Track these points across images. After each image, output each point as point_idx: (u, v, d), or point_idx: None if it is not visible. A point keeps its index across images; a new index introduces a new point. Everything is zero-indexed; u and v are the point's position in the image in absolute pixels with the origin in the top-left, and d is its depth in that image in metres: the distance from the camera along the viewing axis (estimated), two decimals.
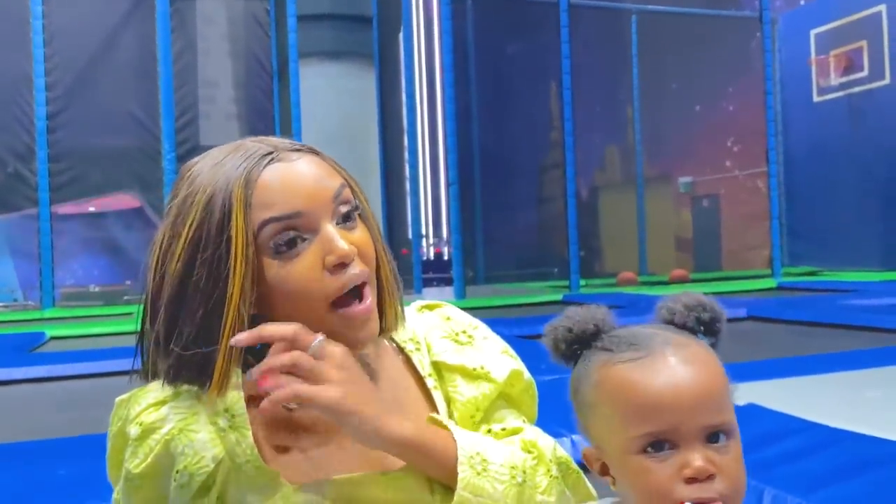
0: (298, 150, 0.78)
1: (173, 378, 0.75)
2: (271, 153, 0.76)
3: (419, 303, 0.95)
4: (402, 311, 0.85)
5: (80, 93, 10.58)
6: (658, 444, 0.66)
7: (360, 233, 0.78)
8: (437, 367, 0.86)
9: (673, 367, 0.67)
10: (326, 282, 0.74)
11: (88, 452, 2.91)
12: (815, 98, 13.32)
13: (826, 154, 12.85)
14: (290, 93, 9.83)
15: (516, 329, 5.98)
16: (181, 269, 0.73)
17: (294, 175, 0.75)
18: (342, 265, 0.74)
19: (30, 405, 4.54)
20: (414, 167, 13.47)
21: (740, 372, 3.98)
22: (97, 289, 12.35)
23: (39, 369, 5.26)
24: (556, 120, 12.65)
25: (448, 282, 11.78)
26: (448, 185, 10.88)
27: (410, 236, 13.18)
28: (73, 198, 11.55)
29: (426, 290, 12.44)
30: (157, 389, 0.76)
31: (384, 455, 0.76)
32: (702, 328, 0.72)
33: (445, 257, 17.48)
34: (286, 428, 0.77)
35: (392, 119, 15.04)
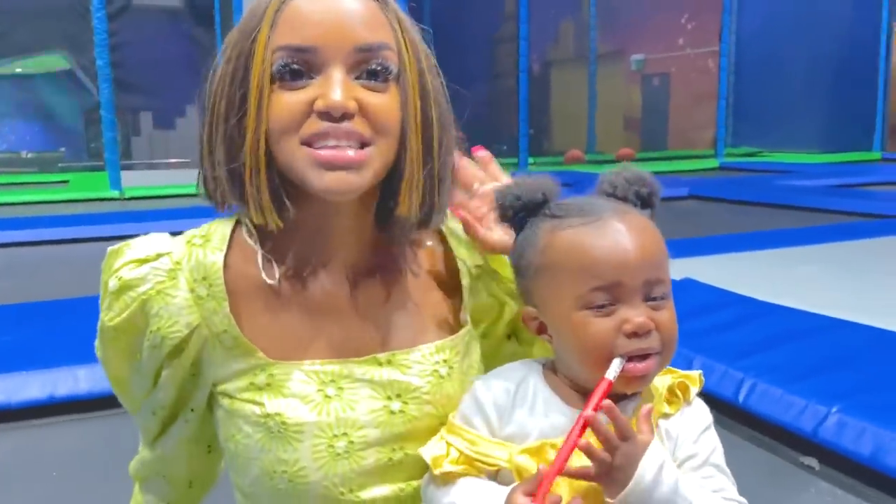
0: None
1: (221, 199, 0.74)
2: None
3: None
4: (436, 204, 0.77)
5: None
6: (602, 301, 0.69)
7: (382, 97, 0.71)
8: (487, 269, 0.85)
9: (618, 229, 0.71)
10: (307, 122, 0.69)
11: (27, 319, 2.88)
12: None
13: (777, 34, 12.78)
14: None
15: None
16: (216, 88, 0.73)
17: (326, 7, 0.70)
18: (328, 115, 0.68)
19: None
20: None
21: (679, 248, 4.11)
22: (30, 155, 11.85)
23: None
24: None
25: None
26: None
27: None
28: None
29: None
30: (143, 245, 0.75)
31: (364, 343, 0.76)
32: (640, 202, 0.76)
33: None
34: (264, 303, 0.75)
35: None
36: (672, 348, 0.71)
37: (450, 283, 0.85)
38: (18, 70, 12.20)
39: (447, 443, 0.73)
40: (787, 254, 4.08)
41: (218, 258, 0.74)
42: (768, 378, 2.04)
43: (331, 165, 0.68)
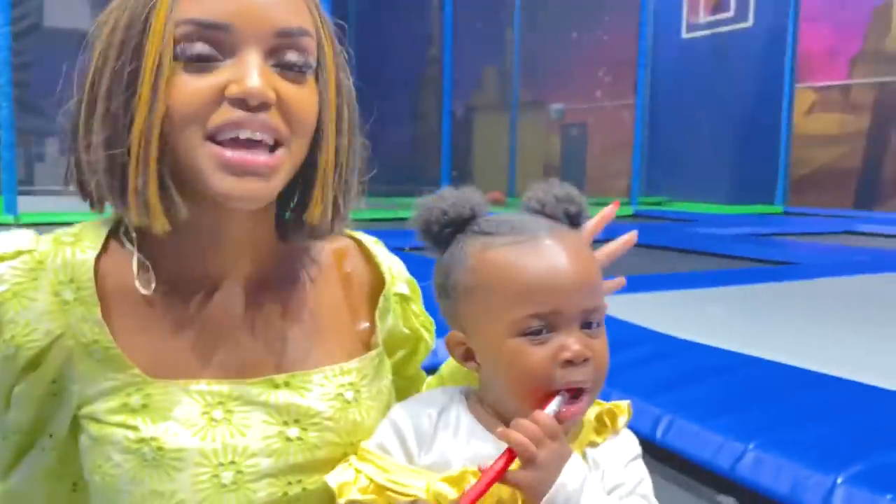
0: None
1: (98, 193, 0.64)
2: None
3: (370, 237, 0.85)
4: (342, 211, 0.70)
5: None
6: (537, 327, 0.66)
7: (301, 91, 0.63)
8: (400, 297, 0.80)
9: (555, 251, 0.67)
10: (217, 111, 0.60)
11: None
12: (685, 34, 13.78)
13: (689, 89, 13.41)
14: None
15: (389, 241, 5.90)
16: (97, 60, 0.62)
17: None
18: (243, 103, 0.60)
19: None
20: None
21: None
22: None
23: None
24: (435, 35, 12.38)
25: None
26: None
27: None
28: None
29: None
30: (1, 243, 0.64)
31: (259, 362, 0.69)
32: (568, 220, 0.72)
33: None
34: (142, 315, 0.65)
35: None
36: (603, 380, 0.68)
37: (361, 299, 0.77)
38: None
39: (356, 469, 0.67)
40: (697, 294, 4.16)
41: (89, 257, 0.64)
42: (685, 414, 2.00)
43: (240, 170, 0.60)
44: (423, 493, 0.64)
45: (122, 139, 0.61)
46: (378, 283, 0.78)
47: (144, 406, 0.63)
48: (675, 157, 13.68)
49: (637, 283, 4.52)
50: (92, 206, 0.66)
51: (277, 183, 0.63)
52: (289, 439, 0.66)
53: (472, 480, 0.63)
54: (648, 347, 2.68)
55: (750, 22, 12.53)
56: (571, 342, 0.65)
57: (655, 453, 1.96)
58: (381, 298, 0.77)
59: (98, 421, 0.63)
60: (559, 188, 0.73)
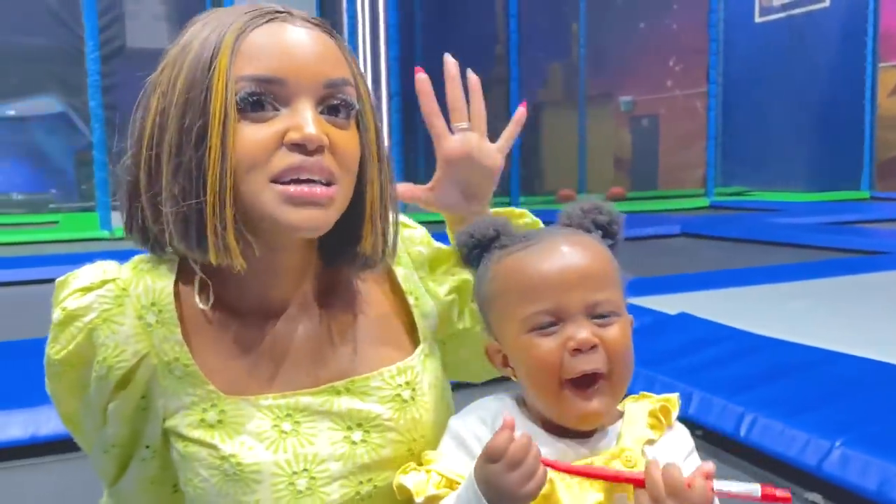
0: (312, 23, 0.71)
1: (163, 239, 0.70)
2: (281, 13, 0.69)
3: None
4: (392, 243, 0.78)
5: None
6: (546, 322, 0.69)
7: (346, 134, 0.70)
8: (420, 263, 0.85)
9: (557, 250, 0.72)
10: (277, 155, 0.66)
11: (12, 357, 2.82)
12: (758, 18, 13.37)
13: (764, 75, 13.00)
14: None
15: None
16: (158, 119, 0.68)
17: (292, 40, 0.68)
18: (302, 148, 0.66)
19: None
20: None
21: (673, 284, 4.11)
22: (20, 196, 11.82)
23: None
24: (501, 33, 12.38)
25: None
26: (390, 97, 10.62)
27: None
28: None
29: None
30: (88, 274, 0.71)
31: (319, 373, 0.74)
32: (600, 231, 0.76)
33: None
34: (213, 336, 0.72)
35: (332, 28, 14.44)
36: (622, 368, 0.70)
37: (399, 301, 0.83)
38: (11, 113, 12.24)
39: (426, 470, 0.71)
40: (779, 289, 4.07)
41: (167, 283, 0.71)
42: (769, 412, 2.00)
43: (302, 202, 0.67)
44: None
45: (195, 190, 0.66)
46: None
47: (220, 422, 0.69)
48: (752, 146, 13.28)
49: (715, 279, 4.46)
50: (152, 250, 0.73)
51: (333, 213, 0.69)
52: (354, 443, 0.72)
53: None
54: (729, 345, 2.67)
55: (826, 2, 12.06)
56: (577, 331, 0.68)
57: (739, 451, 1.98)
58: (409, 296, 0.82)
59: (182, 437, 0.70)
60: (587, 202, 0.78)
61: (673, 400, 0.75)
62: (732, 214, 9.34)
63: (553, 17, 14.66)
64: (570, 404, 0.68)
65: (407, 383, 0.77)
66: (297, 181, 0.66)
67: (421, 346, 0.80)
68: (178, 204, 0.66)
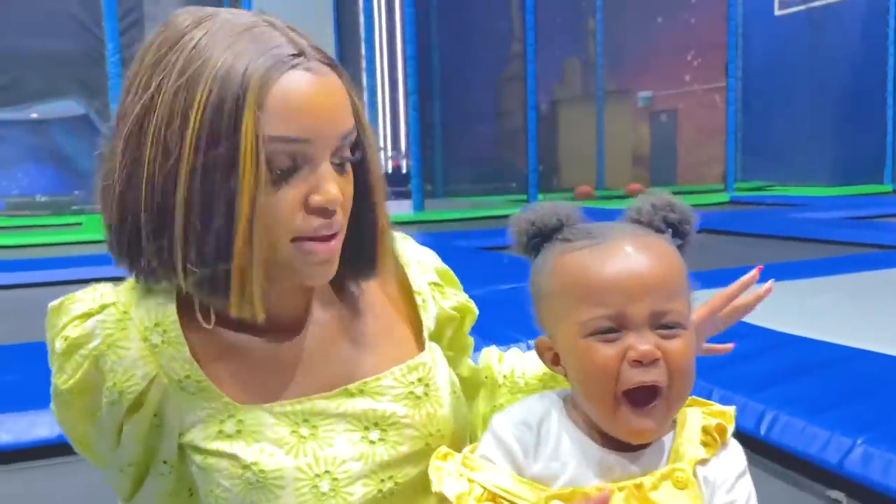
0: (325, 64, 0.68)
1: (186, 289, 0.67)
2: (299, 55, 0.66)
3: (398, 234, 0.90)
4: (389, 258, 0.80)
5: None
6: (607, 328, 0.66)
7: (348, 180, 0.70)
8: (433, 285, 0.85)
9: (624, 253, 0.67)
10: (300, 219, 0.66)
11: (31, 359, 2.86)
12: (777, 11, 13.23)
13: (784, 69, 12.87)
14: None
15: (476, 241, 5.98)
16: (180, 163, 0.64)
17: (316, 94, 0.66)
18: (324, 211, 0.67)
19: None
20: (371, 76, 13.12)
21: (692, 281, 4.07)
22: (44, 198, 11.99)
23: None
24: (517, 30, 12.36)
25: (406, 195, 11.69)
26: (407, 95, 10.64)
27: None
28: (13, 103, 11.04)
29: None
30: (85, 299, 0.71)
31: (332, 377, 0.75)
32: (669, 229, 0.72)
33: (404, 170, 17.31)
34: (221, 348, 0.73)
35: (348, 27, 14.51)
36: (682, 383, 0.66)
37: (403, 297, 0.83)
38: (34, 115, 12.41)
39: (468, 479, 0.68)
40: (800, 285, 4.03)
41: (169, 302, 0.71)
42: (790, 410, 1.99)
43: (321, 260, 0.69)
44: None
45: (219, 251, 0.65)
46: (407, 279, 0.84)
47: (238, 432, 0.69)
48: (772, 140, 13.16)
49: (734, 276, 4.41)
50: (143, 278, 0.71)
51: (338, 257, 0.71)
52: (372, 442, 0.73)
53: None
54: (750, 342, 2.65)
55: None
56: (640, 342, 0.64)
57: (760, 449, 1.97)
58: (417, 296, 0.82)
59: (200, 450, 0.70)
60: (658, 196, 0.73)
61: (729, 415, 0.71)
62: (753, 210, 9.26)
63: (569, 13, 14.61)
64: (624, 419, 0.65)
65: (419, 380, 0.77)
66: (315, 238, 0.68)
67: (428, 343, 0.81)
68: (198, 263, 0.65)
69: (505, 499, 0.67)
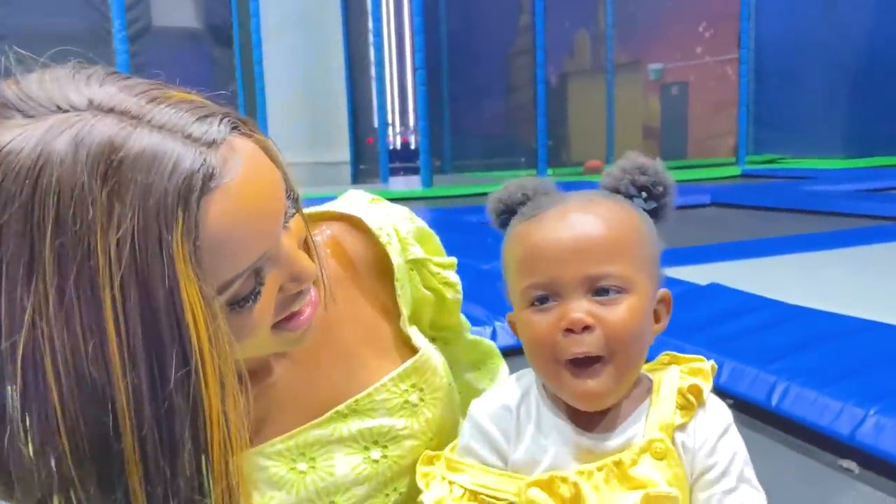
0: (234, 150, 0.51)
1: None
2: (211, 172, 0.48)
3: (362, 194, 0.81)
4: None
5: None
6: (543, 297, 0.64)
7: (301, 232, 0.61)
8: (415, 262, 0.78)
9: (557, 221, 0.66)
10: (275, 310, 0.58)
11: None
12: None
13: (797, 40, 12.67)
14: None
15: (484, 216, 5.92)
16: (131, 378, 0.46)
17: (250, 205, 0.51)
18: (300, 290, 0.60)
19: None
20: (379, 51, 13.02)
21: (703, 254, 4.06)
22: None
23: None
24: (526, 2, 12.21)
25: (415, 171, 11.66)
26: (414, 70, 10.56)
27: (376, 124, 12.90)
28: None
29: (392, 180, 12.32)
30: None
31: (320, 402, 0.71)
32: (643, 193, 0.69)
33: (412, 146, 17.24)
34: None
35: (355, 1, 14.37)
36: (625, 351, 0.63)
37: (380, 285, 0.76)
38: None
39: (449, 482, 0.67)
40: (812, 258, 4.01)
41: None
42: (802, 381, 1.99)
43: (305, 330, 0.63)
44: (514, 498, 0.64)
45: (200, 487, 0.49)
46: (383, 256, 0.75)
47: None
48: (784, 113, 13.00)
49: (746, 249, 4.41)
50: None
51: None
52: (375, 461, 0.70)
53: (563, 487, 0.63)
54: (761, 315, 2.64)
55: None
56: (570, 309, 0.62)
57: (771, 420, 1.97)
58: (396, 284, 0.75)
59: None
60: (629, 160, 0.70)
61: (706, 372, 0.68)
62: (764, 183, 9.19)
63: None
64: (568, 384, 0.63)
65: (413, 385, 0.73)
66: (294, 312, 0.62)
67: (414, 339, 0.76)
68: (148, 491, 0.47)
69: (486, 496, 0.66)
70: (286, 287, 0.58)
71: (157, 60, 10.20)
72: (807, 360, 2.15)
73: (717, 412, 0.67)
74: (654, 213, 0.70)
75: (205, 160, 0.48)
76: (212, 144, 0.50)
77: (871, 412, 1.77)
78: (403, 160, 16.08)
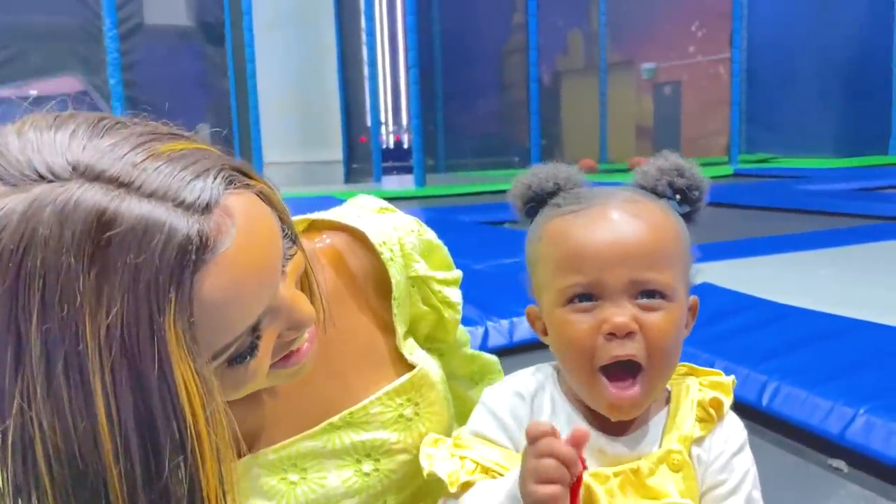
0: (229, 213, 0.49)
1: None
2: (205, 243, 0.46)
3: (372, 201, 0.79)
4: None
5: None
6: (584, 296, 0.63)
7: (298, 272, 0.60)
8: (415, 279, 0.77)
9: (607, 218, 0.64)
10: (273, 354, 0.58)
11: None
12: None
13: (789, 40, 12.72)
14: None
15: (478, 216, 5.97)
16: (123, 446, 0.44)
17: (247, 271, 0.49)
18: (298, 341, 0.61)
19: None
20: (372, 49, 12.99)
21: (693, 251, 4.06)
22: None
23: None
24: (518, 1, 12.21)
25: (408, 170, 11.65)
26: (408, 68, 10.54)
27: (369, 123, 12.88)
28: (12, 80, 10.97)
29: (385, 179, 12.30)
30: None
31: (313, 413, 0.70)
32: (677, 195, 0.68)
33: (405, 145, 17.23)
34: None
35: None
36: (663, 358, 0.63)
37: (381, 300, 0.75)
38: (34, 93, 12.34)
39: (460, 457, 0.67)
40: (804, 257, 4.03)
41: None
42: (792, 380, 1.99)
43: (303, 365, 0.63)
44: None
45: None
46: (384, 272, 0.73)
47: None
48: (777, 112, 13.06)
49: (738, 248, 4.41)
50: None
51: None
52: (366, 474, 0.70)
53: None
54: (752, 314, 2.65)
55: None
56: (615, 313, 0.61)
57: (762, 419, 1.97)
58: (393, 304, 0.73)
59: None
60: (667, 159, 0.69)
61: (727, 386, 0.68)
62: (757, 182, 9.22)
63: None
64: (602, 392, 0.62)
65: (408, 399, 0.73)
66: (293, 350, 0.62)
67: (411, 350, 0.75)
68: None
69: (497, 472, 0.65)
70: (284, 334, 0.58)
71: (149, 58, 10.17)
72: (797, 359, 2.16)
73: (735, 428, 0.67)
74: (687, 217, 0.69)
75: (198, 230, 0.46)
76: (205, 210, 0.47)
77: (861, 412, 1.78)
78: (396, 159, 16.07)
